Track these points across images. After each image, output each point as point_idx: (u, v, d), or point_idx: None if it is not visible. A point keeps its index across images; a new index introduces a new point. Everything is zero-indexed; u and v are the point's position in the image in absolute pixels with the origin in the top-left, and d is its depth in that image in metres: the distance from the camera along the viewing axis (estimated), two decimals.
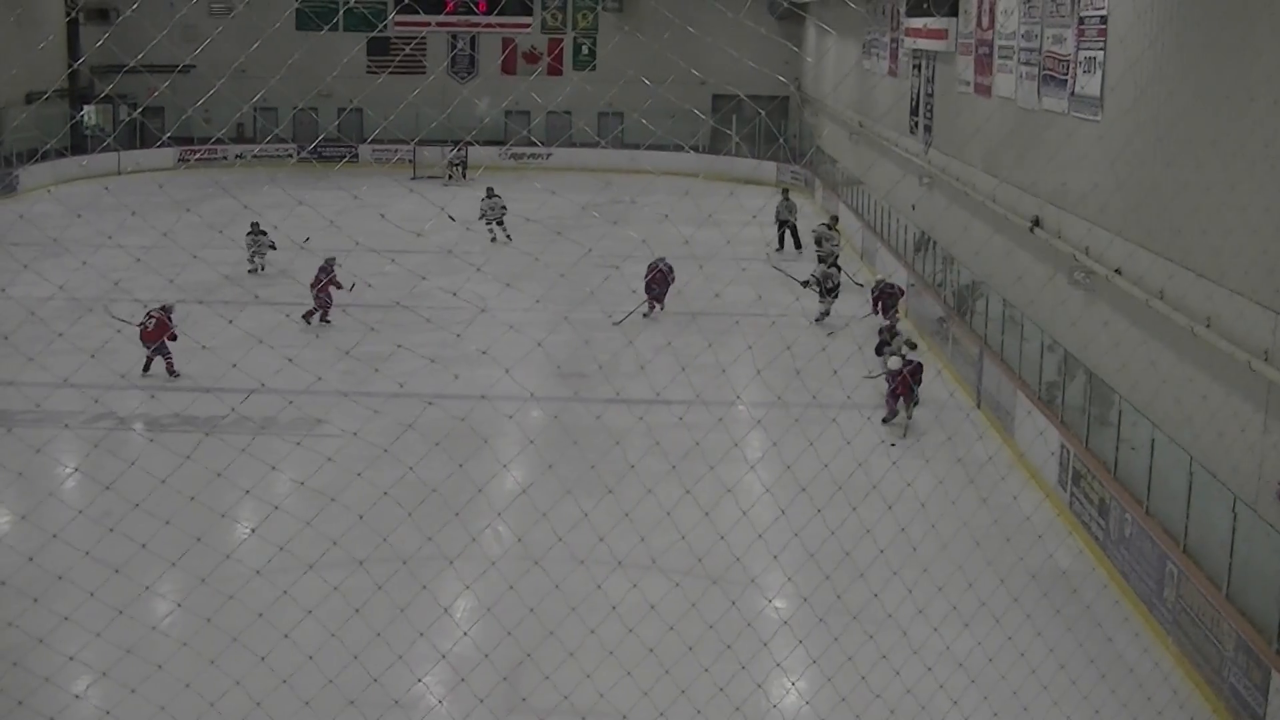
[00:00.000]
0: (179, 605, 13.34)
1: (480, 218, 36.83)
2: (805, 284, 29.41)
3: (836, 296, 29.47)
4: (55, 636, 12.71)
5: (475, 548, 15.69)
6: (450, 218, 32.06)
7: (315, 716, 12.64)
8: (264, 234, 28.47)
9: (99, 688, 12.50)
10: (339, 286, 26.20)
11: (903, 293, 29.49)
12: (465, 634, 13.77)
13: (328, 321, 26.00)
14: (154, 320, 23.04)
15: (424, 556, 14.92)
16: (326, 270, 26.50)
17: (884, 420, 21.83)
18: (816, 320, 29.10)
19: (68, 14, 52.81)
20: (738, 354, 21.64)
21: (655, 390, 20.71)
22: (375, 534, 14.95)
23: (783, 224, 39.36)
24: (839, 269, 30.68)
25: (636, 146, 50.37)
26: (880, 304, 28.72)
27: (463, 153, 49.89)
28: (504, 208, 36.90)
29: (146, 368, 23.34)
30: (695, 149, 49.21)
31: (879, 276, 31.37)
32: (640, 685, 12.35)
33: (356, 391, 20.66)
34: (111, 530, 13.03)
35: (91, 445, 20.14)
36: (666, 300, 29.47)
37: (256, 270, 28.12)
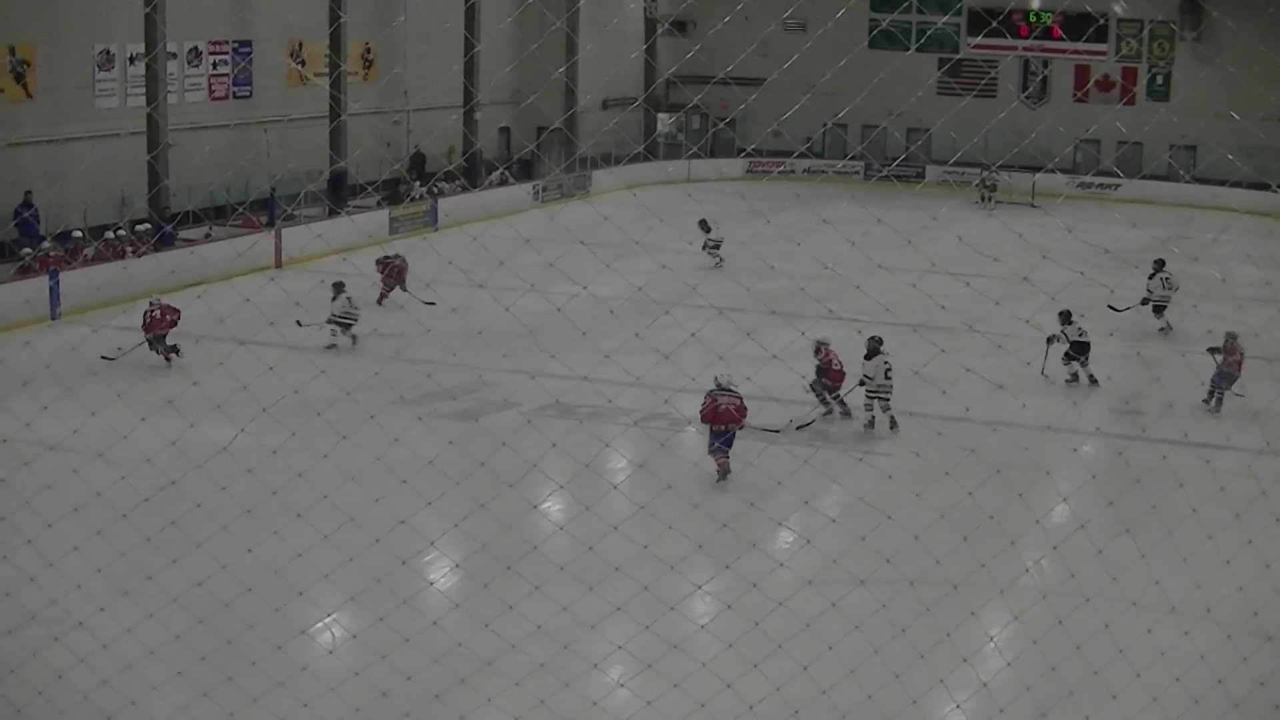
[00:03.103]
0: (728, 607, 13.38)
1: (704, 248, 35.35)
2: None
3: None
4: (607, 624, 13.03)
5: (1027, 578, 15.23)
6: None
7: None
8: None
9: (640, 680, 12.69)
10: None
11: None
12: (1009, 665, 13.28)
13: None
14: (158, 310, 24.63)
15: (975, 583, 14.54)
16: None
17: None
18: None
19: (648, 26, 54.93)
20: None
21: (1223, 434, 19.61)
22: (929, 555, 14.62)
23: None
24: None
25: (1208, 181, 48.09)
26: None
27: (994, 176, 48.79)
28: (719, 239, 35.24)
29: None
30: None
31: None
32: None
33: (921, 412, 20.41)
34: (671, 528, 13.30)
35: (653, 443, 20.64)
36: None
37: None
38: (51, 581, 13.51)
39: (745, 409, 19.13)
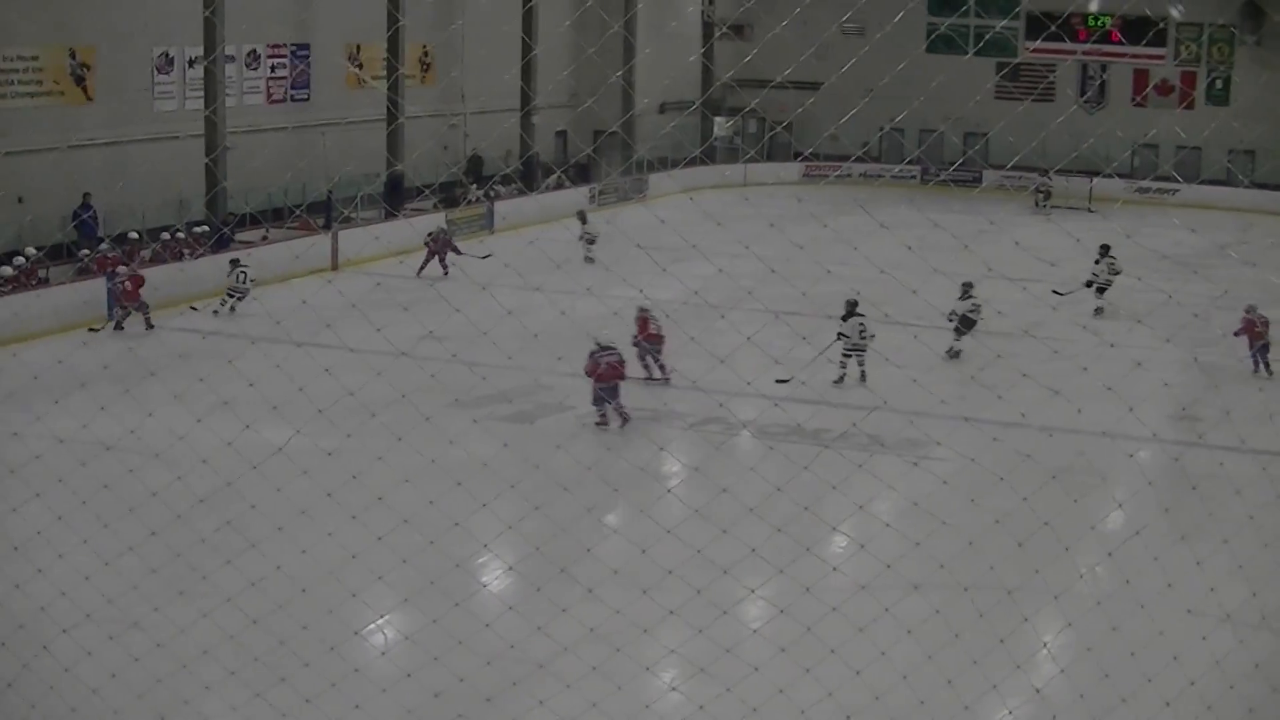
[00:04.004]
0: (781, 611, 13.33)
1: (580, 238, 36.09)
2: None
3: None
4: (660, 628, 13.01)
5: (1081, 585, 15.13)
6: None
7: None
8: None
9: (693, 683, 12.69)
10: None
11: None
12: (1062, 671, 13.17)
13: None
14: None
15: (1029, 589, 14.45)
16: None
17: None
18: None
19: (705, 30, 54.87)
20: None
21: None
22: (983, 561, 14.54)
23: None
24: None
25: (1268, 186, 47.69)
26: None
27: (1048, 182, 48.43)
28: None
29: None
30: None
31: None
32: None
33: (977, 417, 20.29)
34: (725, 532, 13.25)
35: (709, 447, 20.63)
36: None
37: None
38: (107, 581, 13.60)
39: (624, 363, 21.62)
